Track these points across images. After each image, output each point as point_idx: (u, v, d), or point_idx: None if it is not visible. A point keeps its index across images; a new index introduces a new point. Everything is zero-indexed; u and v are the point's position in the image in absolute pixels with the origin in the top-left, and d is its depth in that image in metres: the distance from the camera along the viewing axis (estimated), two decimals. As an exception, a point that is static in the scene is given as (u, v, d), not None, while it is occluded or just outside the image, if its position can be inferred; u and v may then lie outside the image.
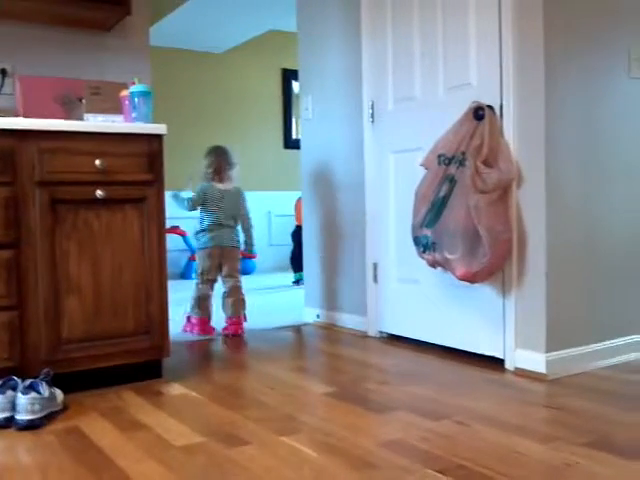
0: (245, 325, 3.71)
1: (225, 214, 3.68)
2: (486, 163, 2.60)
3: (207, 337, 3.61)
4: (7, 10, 2.78)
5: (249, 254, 3.93)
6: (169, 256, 2.59)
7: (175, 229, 6.23)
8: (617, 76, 2.77)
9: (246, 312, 3.74)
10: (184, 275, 6.47)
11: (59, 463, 1.80)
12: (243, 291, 3.74)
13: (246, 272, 6.32)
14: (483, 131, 2.62)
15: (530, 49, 2.56)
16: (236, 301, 3.69)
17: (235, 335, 3.62)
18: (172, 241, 5.73)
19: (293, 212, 6.15)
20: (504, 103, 2.65)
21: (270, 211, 7.18)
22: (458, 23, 2.86)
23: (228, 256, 3.70)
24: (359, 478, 1.66)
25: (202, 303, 3.66)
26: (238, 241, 3.76)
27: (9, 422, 2.08)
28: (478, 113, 2.65)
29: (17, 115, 2.70)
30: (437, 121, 2.88)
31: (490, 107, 2.65)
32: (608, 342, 2.75)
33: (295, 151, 5.57)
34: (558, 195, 2.58)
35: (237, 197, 3.78)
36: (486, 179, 2.56)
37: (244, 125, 7.10)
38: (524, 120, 2.59)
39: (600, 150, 2.73)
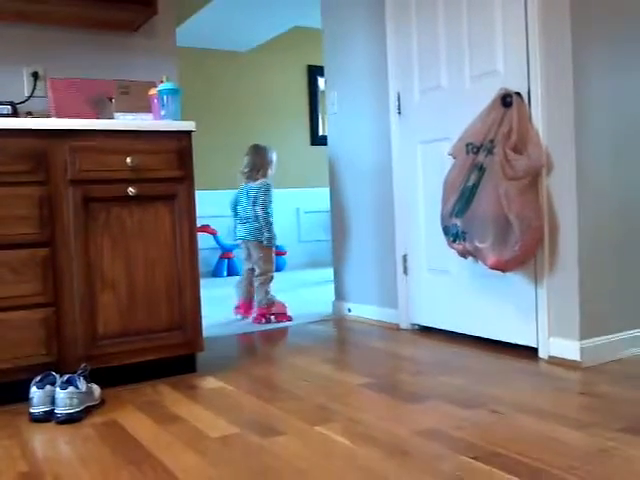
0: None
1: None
2: (515, 150, 2.58)
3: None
4: (37, 14, 2.83)
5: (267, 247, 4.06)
6: (200, 255, 2.61)
7: (205, 228, 6.24)
8: (647, 58, 2.72)
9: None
10: (215, 273, 6.52)
11: (99, 455, 1.84)
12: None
13: (276, 269, 6.33)
14: (511, 118, 2.59)
15: (557, 33, 2.52)
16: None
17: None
18: (203, 240, 5.76)
19: None
20: (532, 89, 2.62)
21: (299, 208, 7.19)
22: (484, 10, 2.83)
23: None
24: (393, 466, 1.67)
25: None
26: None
27: (49, 416, 2.13)
28: (506, 100, 2.63)
29: (49, 117, 2.75)
30: (464, 110, 2.86)
31: (518, 94, 2.63)
32: (644, 329, 2.71)
33: (322, 147, 5.56)
34: (589, 181, 2.55)
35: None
36: (515, 166, 2.54)
37: (271, 123, 7.12)
38: (553, 106, 2.57)
39: (631, 134, 2.69)
